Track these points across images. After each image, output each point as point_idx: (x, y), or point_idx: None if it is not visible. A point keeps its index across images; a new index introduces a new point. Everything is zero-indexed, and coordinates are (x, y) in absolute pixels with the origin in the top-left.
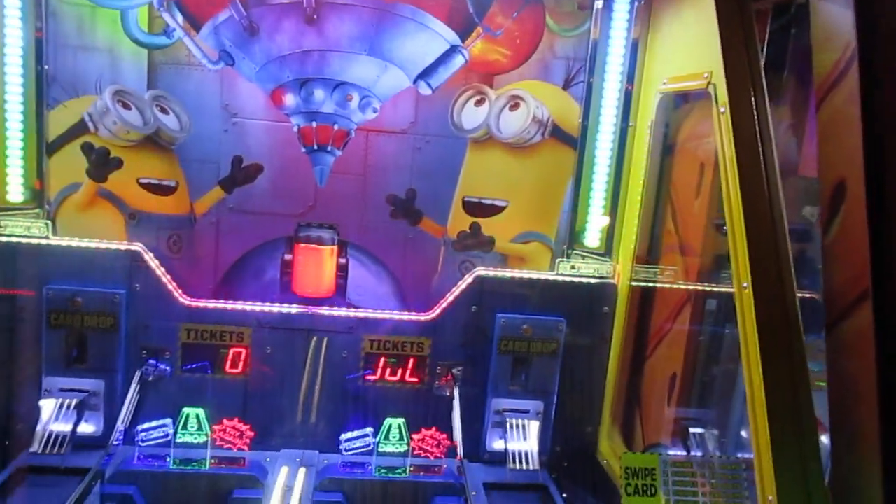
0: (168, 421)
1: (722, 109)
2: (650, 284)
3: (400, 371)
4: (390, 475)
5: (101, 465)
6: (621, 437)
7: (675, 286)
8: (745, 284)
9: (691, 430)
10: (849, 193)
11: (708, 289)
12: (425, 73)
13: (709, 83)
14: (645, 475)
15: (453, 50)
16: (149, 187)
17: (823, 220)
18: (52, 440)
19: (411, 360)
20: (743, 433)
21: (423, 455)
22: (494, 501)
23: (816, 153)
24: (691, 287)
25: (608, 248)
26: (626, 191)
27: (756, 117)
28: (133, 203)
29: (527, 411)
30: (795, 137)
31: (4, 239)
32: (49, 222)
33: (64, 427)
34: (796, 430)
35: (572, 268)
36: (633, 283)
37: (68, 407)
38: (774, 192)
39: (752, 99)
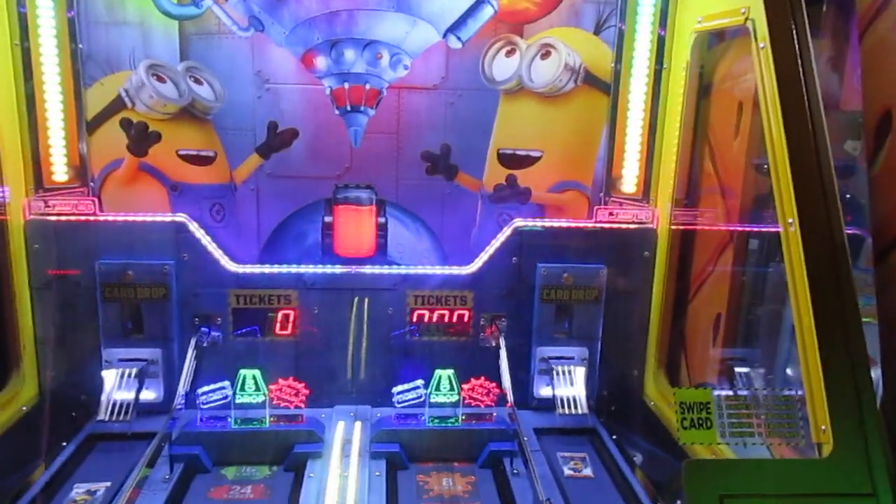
0: (226, 383)
1: (761, 45)
2: (690, 227)
3: (446, 324)
4: (444, 424)
5: (167, 428)
6: (667, 378)
7: (715, 228)
8: (790, 221)
9: (737, 369)
10: (895, 123)
11: (750, 229)
12: (454, 27)
13: (747, 18)
14: (700, 409)
15: (482, 1)
16: (188, 158)
17: (869, 151)
18: (116, 408)
19: (456, 313)
20: (789, 371)
21: (473, 404)
22: (546, 445)
23: (859, 85)
24: (733, 228)
25: (646, 193)
26: (663, 134)
27: (798, 51)
28: (174, 175)
29: (572, 358)
30: (836, 71)
31: (54, 218)
32: (95, 199)
33: (127, 395)
34: (848, 362)
35: (610, 214)
36: (673, 227)
37: (129, 376)
38: (819, 125)
39: (793, 32)
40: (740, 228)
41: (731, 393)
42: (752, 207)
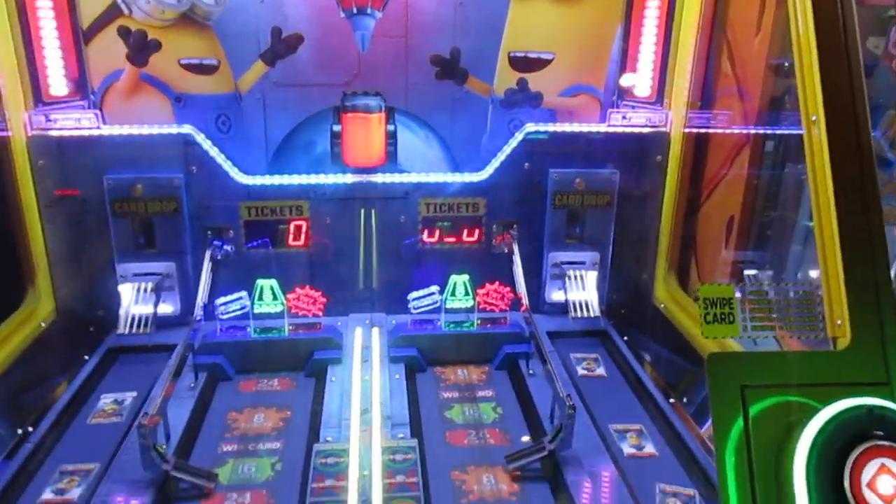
0: (244, 293)
1: None
2: (704, 130)
3: (458, 232)
4: (459, 329)
5: (189, 338)
6: (677, 281)
7: (731, 131)
8: (814, 118)
9: (746, 271)
10: None
11: (768, 131)
12: None
13: None
14: (723, 304)
15: None
16: (190, 68)
17: None
18: (135, 322)
19: (468, 220)
20: (801, 272)
21: (488, 308)
22: (559, 347)
23: None
24: (749, 130)
25: (660, 96)
26: (678, 34)
27: None
28: (177, 85)
29: (583, 263)
30: None
31: (56, 133)
32: (97, 112)
33: (145, 309)
34: (870, 259)
35: (623, 118)
36: (687, 131)
37: (145, 290)
38: (850, 20)
39: None
40: (758, 131)
41: (753, 288)
42: (771, 109)
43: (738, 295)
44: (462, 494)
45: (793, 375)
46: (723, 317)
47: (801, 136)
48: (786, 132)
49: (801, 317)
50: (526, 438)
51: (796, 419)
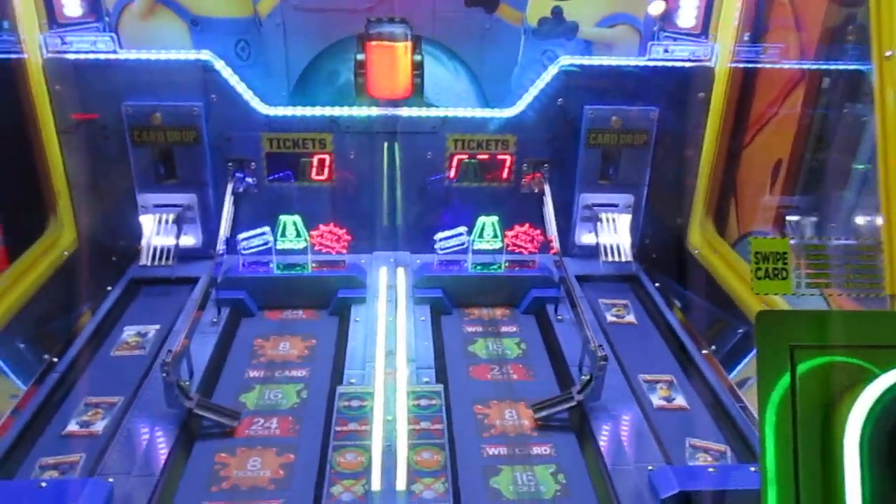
0: (266, 229)
1: None
2: (754, 66)
3: (486, 170)
4: (486, 271)
5: (213, 272)
6: (714, 226)
7: (784, 66)
8: (888, 54)
9: (788, 217)
10: None
11: (827, 67)
12: None
13: None
14: (776, 259)
15: None
16: None
17: None
18: (157, 253)
19: (497, 158)
20: (852, 226)
21: (516, 251)
22: (587, 292)
23: None
24: (805, 66)
25: (705, 27)
26: None
27: None
28: (193, 8)
29: (616, 205)
30: None
31: (73, 56)
32: (113, 35)
33: (166, 241)
34: None
35: (665, 52)
36: (734, 66)
37: (167, 221)
38: None
39: None
40: (816, 66)
41: (809, 242)
42: (832, 42)
43: (798, 243)
44: (484, 428)
45: (849, 336)
46: (775, 272)
47: (866, 72)
48: (848, 67)
49: (859, 273)
50: None
51: (851, 383)
